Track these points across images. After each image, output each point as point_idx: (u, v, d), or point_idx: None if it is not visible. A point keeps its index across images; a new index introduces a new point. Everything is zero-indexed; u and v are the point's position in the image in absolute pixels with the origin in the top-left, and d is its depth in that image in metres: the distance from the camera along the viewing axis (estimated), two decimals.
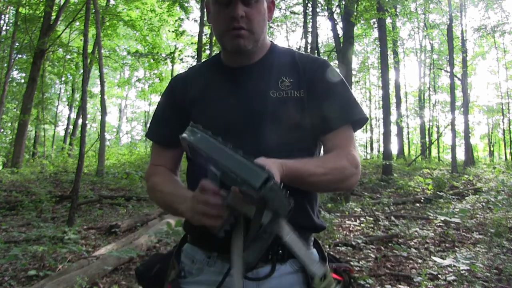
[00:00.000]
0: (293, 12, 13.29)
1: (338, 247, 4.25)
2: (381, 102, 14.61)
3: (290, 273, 0.95)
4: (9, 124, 15.27)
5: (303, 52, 1.14)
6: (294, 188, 0.98)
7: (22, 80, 15.10)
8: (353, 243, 4.30)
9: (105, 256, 3.65)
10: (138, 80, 18.21)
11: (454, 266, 3.26)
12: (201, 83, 1.06)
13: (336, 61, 11.97)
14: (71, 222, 5.41)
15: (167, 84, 1.13)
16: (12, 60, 12.78)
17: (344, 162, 0.95)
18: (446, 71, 14.83)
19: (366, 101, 24.28)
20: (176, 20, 11.79)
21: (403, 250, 4.01)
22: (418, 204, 7.16)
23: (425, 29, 14.31)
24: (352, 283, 1.02)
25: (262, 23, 0.99)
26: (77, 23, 12.76)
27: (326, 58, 13.56)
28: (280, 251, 0.95)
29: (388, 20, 11.99)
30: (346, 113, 1.00)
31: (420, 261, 3.77)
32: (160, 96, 1.16)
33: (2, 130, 13.65)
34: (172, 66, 16.42)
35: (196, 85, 1.06)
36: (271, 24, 13.86)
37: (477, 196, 7.17)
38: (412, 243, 4.40)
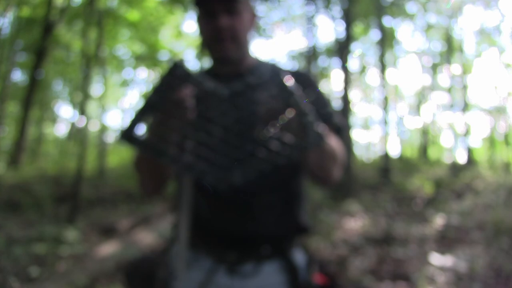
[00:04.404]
0: (293, 13, 13.30)
1: (337, 247, 4.26)
2: (380, 103, 14.63)
3: (275, 271, 0.98)
4: (10, 124, 15.27)
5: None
6: (284, 189, 1.03)
7: (23, 80, 15.11)
8: (353, 243, 4.31)
9: (105, 256, 3.67)
10: (140, 80, 18.23)
11: (454, 265, 3.28)
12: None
13: (336, 62, 12.00)
14: (72, 221, 5.43)
15: None
16: (14, 60, 12.80)
17: (339, 149, 0.99)
18: (446, 71, 14.85)
19: (365, 101, 24.27)
20: (177, 26, 11.83)
21: (402, 250, 4.03)
22: (417, 204, 7.17)
23: (425, 29, 14.31)
24: (336, 286, 1.04)
25: (245, 32, 1.05)
26: (79, 24, 12.77)
27: (325, 58, 13.56)
28: (266, 249, 0.98)
29: (388, 21, 12.00)
30: (328, 117, 1.04)
31: (419, 260, 3.78)
32: None
33: (4, 130, 13.66)
34: None
35: None
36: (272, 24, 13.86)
37: (476, 196, 7.17)
38: (412, 242, 4.41)
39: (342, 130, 1.08)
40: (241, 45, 1.05)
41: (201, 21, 1.05)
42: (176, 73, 0.76)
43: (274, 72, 0.75)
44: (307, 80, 1.08)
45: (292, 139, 0.76)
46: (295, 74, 1.07)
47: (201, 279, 0.96)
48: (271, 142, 0.76)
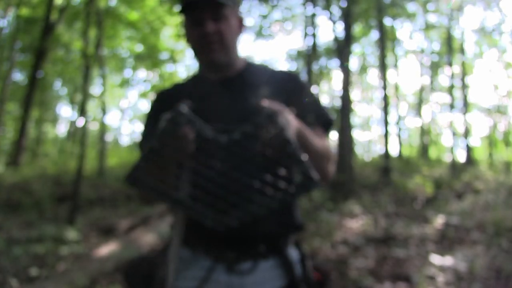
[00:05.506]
0: (292, 14, 13.27)
1: (337, 247, 4.26)
2: (380, 103, 14.63)
3: (272, 268, 1.03)
4: (11, 124, 15.28)
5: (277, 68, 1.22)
6: None
7: (23, 80, 15.11)
8: (353, 243, 4.31)
9: (105, 256, 3.67)
10: (140, 80, 18.23)
11: (454, 266, 3.28)
12: (184, 96, 1.11)
13: (336, 62, 11.99)
14: (72, 222, 5.43)
15: (153, 100, 1.19)
16: (13, 60, 12.80)
17: (329, 147, 1.07)
18: (445, 72, 14.85)
19: (365, 101, 24.27)
20: (176, 25, 11.79)
21: (402, 250, 4.03)
22: (417, 204, 7.17)
23: (425, 29, 14.30)
24: (329, 283, 1.09)
25: (232, 37, 1.08)
26: (79, 24, 12.77)
27: (325, 59, 13.57)
28: (263, 247, 1.02)
29: (388, 21, 12.00)
30: (318, 115, 1.10)
31: (419, 261, 3.78)
32: (147, 113, 1.21)
33: (4, 130, 13.67)
34: (174, 66, 16.45)
35: (180, 98, 1.11)
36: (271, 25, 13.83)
37: (476, 196, 7.17)
38: (411, 243, 4.41)
39: (331, 125, 1.13)
40: (229, 49, 1.07)
41: (189, 28, 1.08)
42: (178, 121, 0.81)
43: (270, 114, 0.79)
44: (297, 82, 1.12)
45: (285, 185, 0.81)
46: (286, 76, 1.13)
47: (201, 277, 1.00)
48: (266, 188, 0.82)
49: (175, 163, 0.86)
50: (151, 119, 1.14)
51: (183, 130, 0.81)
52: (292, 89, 1.09)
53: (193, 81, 1.18)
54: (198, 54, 1.09)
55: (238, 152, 0.82)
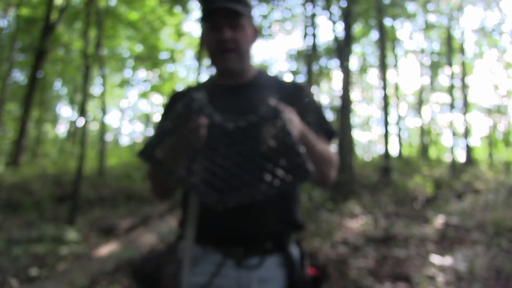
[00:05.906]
0: (293, 14, 13.26)
1: (337, 247, 4.26)
2: (380, 103, 14.61)
3: (276, 265, 1.08)
4: (11, 124, 15.27)
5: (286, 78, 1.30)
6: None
7: (23, 80, 15.11)
8: (353, 243, 4.31)
9: (105, 256, 3.67)
10: (140, 80, 18.23)
11: (454, 265, 3.28)
12: None
13: (336, 62, 11.98)
14: (72, 222, 5.43)
15: (168, 100, 1.25)
16: (13, 60, 12.79)
17: (332, 153, 1.13)
18: (446, 72, 14.84)
19: (365, 101, 24.24)
20: (176, 25, 11.81)
21: (402, 250, 4.03)
22: (417, 204, 7.17)
23: (425, 29, 14.29)
24: (328, 279, 1.14)
25: (247, 45, 1.15)
26: (79, 23, 12.77)
27: (325, 59, 13.55)
28: (269, 244, 1.07)
29: (388, 21, 11.99)
30: (322, 125, 1.17)
31: (419, 261, 3.78)
32: (161, 113, 1.27)
33: (4, 130, 13.65)
34: (174, 66, 16.44)
35: None
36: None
37: (476, 196, 7.17)
38: (411, 243, 4.41)
39: (333, 136, 1.19)
40: (243, 56, 1.14)
41: (207, 35, 1.14)
42: (192, 106, 0.88)
43: (275, 108, 0.87)
44: (302, 92, 1.19)
45: (283, 174, 0.88)
46: (292, 87, 1.20)
47: (211, 271, 1.04)
48: (265, 175, 0.89)
49: (186, 145, 0.93)
50: (165, 119, 1.19)
51: (196, 114, 0.88)
52: (299, 99, 1.15)
53: (206, 85, 1.23)
54: (213, 59, 1.15)
55: (243, 139, 0.89)
